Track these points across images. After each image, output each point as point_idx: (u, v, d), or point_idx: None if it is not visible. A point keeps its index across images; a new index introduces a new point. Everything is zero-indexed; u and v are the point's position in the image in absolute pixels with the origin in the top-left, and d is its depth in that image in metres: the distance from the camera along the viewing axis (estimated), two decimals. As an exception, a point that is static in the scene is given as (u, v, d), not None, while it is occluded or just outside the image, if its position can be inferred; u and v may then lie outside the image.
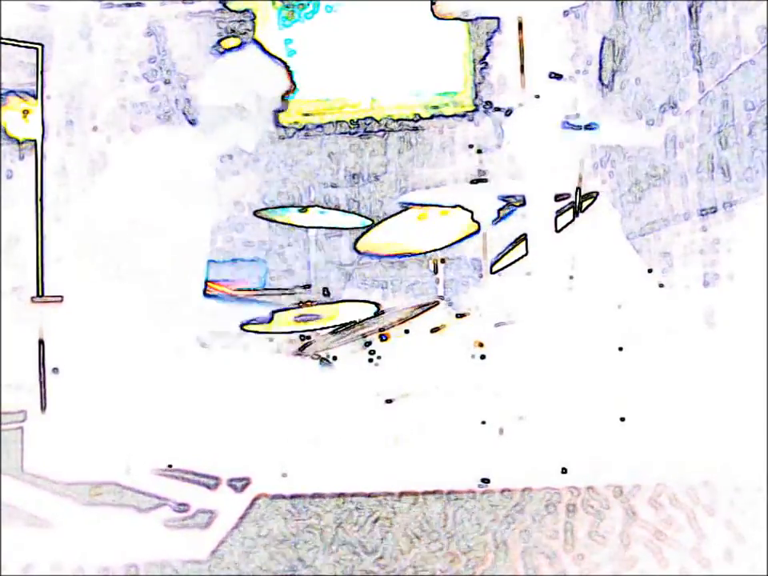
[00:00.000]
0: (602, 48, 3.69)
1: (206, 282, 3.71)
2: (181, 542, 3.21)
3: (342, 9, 3.80)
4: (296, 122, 3.82)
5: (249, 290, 3.75)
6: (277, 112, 3.78)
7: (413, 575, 3.06)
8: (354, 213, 3.78)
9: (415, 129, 3.79)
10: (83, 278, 3.69)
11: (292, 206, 3.79)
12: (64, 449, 3.54)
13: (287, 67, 3.77)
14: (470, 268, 3.72)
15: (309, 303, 3.71)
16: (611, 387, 3.44)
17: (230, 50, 3.77)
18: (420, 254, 3.73)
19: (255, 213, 3.78)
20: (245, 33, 3.82)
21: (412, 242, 3.74)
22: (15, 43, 3.70)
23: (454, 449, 3.43)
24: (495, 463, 3.36)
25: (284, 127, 3.82)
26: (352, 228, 3.77)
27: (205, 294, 3.70)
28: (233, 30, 3.81)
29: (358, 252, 3.74)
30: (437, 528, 3.19)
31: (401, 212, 3.74)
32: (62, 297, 3.66)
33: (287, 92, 3.77)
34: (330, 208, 3.78)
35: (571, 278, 3.60)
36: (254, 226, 3.81)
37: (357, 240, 3.75)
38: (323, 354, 3.64)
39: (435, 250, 3.72)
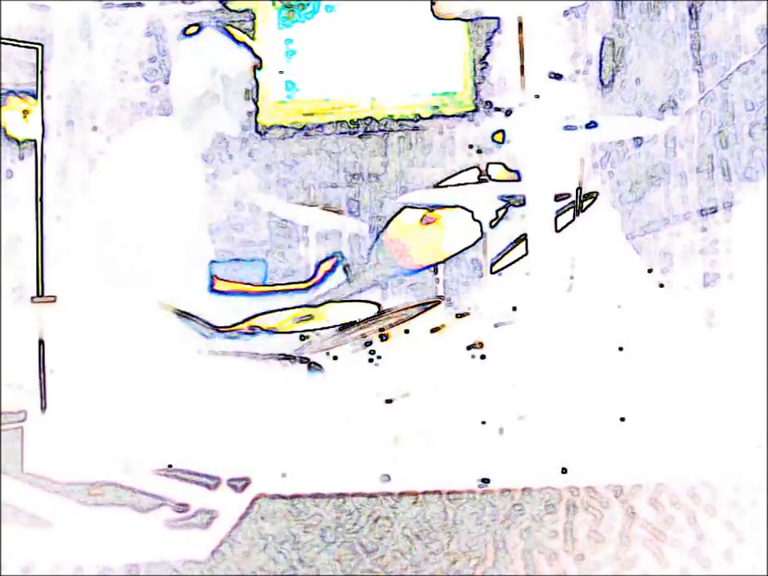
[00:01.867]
0: (602, 48, 3.69)
1: (213, 276, 3.71)
2: (181, 542, 3.21)
3: (342, 9, 3.80)
4: (296, 122, 3.83)
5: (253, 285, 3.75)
6: (253, 90, 3.77)
7: (413, 575, 3.05)
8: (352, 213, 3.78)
9: (415, 129, 3.79)
10: (83, 278, 3.69)
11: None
12: (64, 449, 3.53)
13: (247, 45, 3.76)
14: (470, 268, 3.72)
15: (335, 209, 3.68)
16: (611, 387, 3.44)
17: (189, 36, 3.76)
18: (429, 266, 3.73)
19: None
20: (244, 32, 3.82)
21: (425, 253, 3.74)
22: (15, 43, 3.70)
23: (454, 449, 3.42)
24: (495, 463, 3.36)
25: (284, 127, 3.83)
26: (351, 233, 3.77)
27: (211, 289, 3.70)
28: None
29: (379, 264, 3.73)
30: (437, 528, 3.19)
31: (398, 213, 3.74)
32: (54, 297, 3.65)
33: (257, 66, 3.76)
34: (332, 210, 3.78)
35: (571, 277, 3.60)
36: (254, 226, 3.81)
37: (370, 250, 3.74)
38: (314, 360, 3.63)
39: (444, 261, 3.72)
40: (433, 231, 3.74)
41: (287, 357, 3.63)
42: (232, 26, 3.77)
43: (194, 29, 3.75)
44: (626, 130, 3.64)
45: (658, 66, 3.61)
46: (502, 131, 3.71)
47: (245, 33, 3.81)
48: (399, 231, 3.72)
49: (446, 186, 3.72)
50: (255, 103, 3.76)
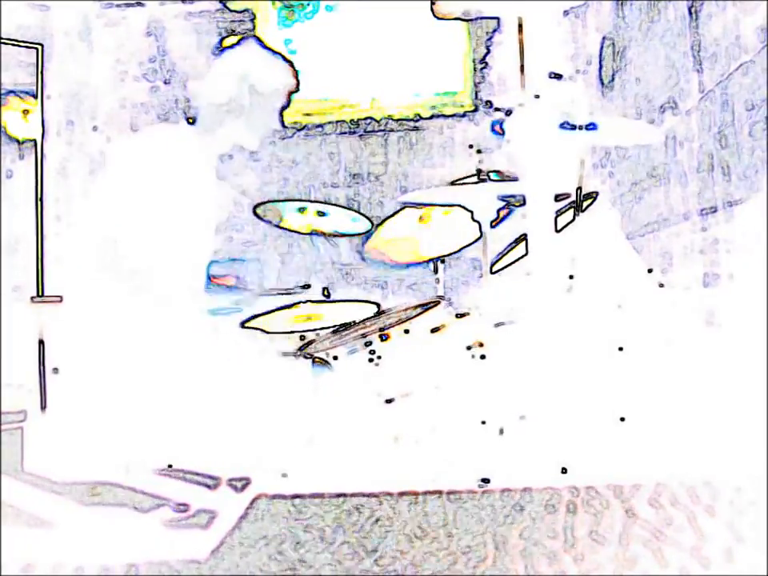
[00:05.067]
0: (601, 48, 3.69)
1: (209, 277, 3.71)
2: (181, 541, 3.21)
3: (342, 8, 3.80)
4: (296, 122, 3.82)
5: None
6: (282, 110, 3.77)
7: (413, 575, 3.05)
8: (353, 210, 3.77)
9: (415, 129, 3.79)
10: (83, 278, 3.69)
11: (292, 200, 3.78)
12: (64, 449, 3.53)
13: (291, 64, 3.76)
14: (470, 268, 3.72)
15: (308, 303, 3.71)
16: (611, 387, 3.44)
17: (229, 47, 3.77)
18: (425, 261, 3.73)
19: (255, 208, 3.77)
20: (245, 33, 3.81)
21: (416, 249, 3.74)
22: (15, 43, 3.70)
23: (454, 449, 3.42)
24: (495, 463, 3.36)
25: (284, 127, 3.83)
26: (350, 234, 3.77)
27: (208, 287, 3.70)
28: (232, 30, 3.81)
29: (364, 259, 3.74)
30: (437, 528, 3.19)
31: (399, 211, 3.74)
32: (60, 297, 3.66)
33: (292, 90, 3.76)
34: (328, 203, 3.78)
35: (571, 277, 3.60)
36: (254, 226, 3.81)
37: (362, 245, 3.75)
38: (320, 356, 3.63)
39: (440, 258, 3.72)
40: (424, 230, 3.74)
41: (292, 354, 3.63)
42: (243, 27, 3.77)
43: (233, 39, 3.75)
44: (627, 136, 3.64)
45: (657, 66, 3.61)
46: (501, 123, 3.70)
47: (246, 33, 3.81)
48: (385, 237, 3.73)
49: (447, 186, 3.73)
50: (283, 124, 3.76)
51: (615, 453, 3.32)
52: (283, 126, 3.77)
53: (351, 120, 3.80)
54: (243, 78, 3.70)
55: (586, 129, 3.64)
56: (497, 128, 3.68)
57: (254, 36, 3.77)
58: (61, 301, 3.65)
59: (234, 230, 3.80)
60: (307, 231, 3.77)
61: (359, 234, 3.76)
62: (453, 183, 3.70)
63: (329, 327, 3.69)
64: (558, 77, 3.67)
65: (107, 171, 3.77)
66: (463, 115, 3.77)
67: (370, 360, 3.63)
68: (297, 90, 3.75)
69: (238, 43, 3.75)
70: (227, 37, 3.77)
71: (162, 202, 3.72)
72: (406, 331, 3.65)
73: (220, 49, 3.77)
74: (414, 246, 3.73)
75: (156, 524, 3.28)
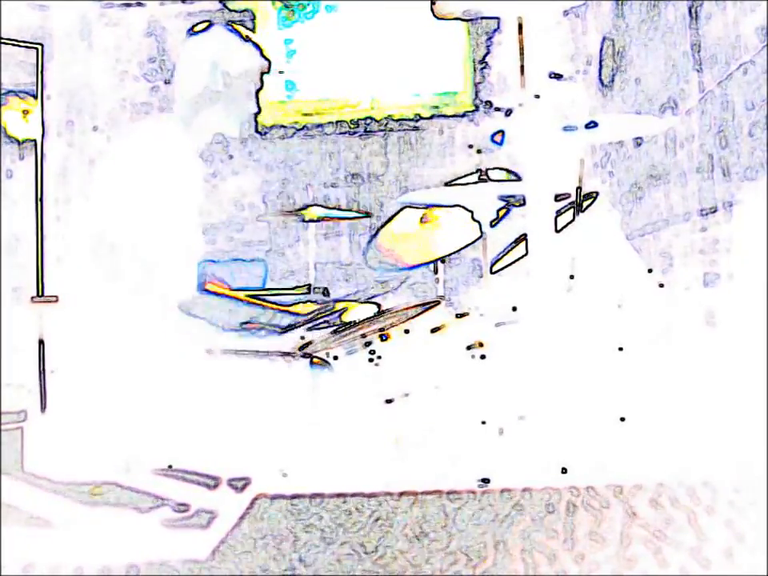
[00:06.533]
0: (602, 48, 3.69)
1: (204, 282, 3.71)
2: (181, 542, 3.21)
3: (342, 9, 3.80)
4: (296, 122, 3.82)
5: (247, 290, 3.75)
6: (257, 92, 3.77)
7: (413, 575, 3.05)
8: (353, 211, 3.78)
9: (415, 129, 3.79)
10: (83, 278, 3.69)
11: (292, 212, 3.79)
12: (64, 449, 3.53)
13: (256, 45, 3.76)
14: (470, 268, 3.72)
15: (307, 303, 3.71)
16: (611, 387, 3.44)
17: (196, 33, 3.77)
18: (429, 263, 3.73)
19: (258, 219, 3.78)
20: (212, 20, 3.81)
21: (422, 250, 3.74)
22: (15, 43, 3.70)
23: (454, 449, 3.42)
24: (495, 463, 3.36)
25: (284, 127, 3.83)
26: (352, 218, 3.77)
27: (202, 289, 3.70)
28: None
29: (372, 268, 3.74)
30: (437, 528, 3.19)
31: (399, 211, 3.74)
32: (56, 297, 3.65)
33: (264, 71, 3.76)
34: (329, 207, 3.78)
35: (571, 277, 3.60)
36: (254, 226, 3.81)
37: (365, 252, 3.74)
38: (320, 356, 3.63)
39: (442, 258, 3.71)
40: (428, 231, 3.74)
41: (290, 354, 3.63)
42: (243, 26, 3.77)
43: (202, 26, 3.75)
44: (626, 130, 3.64)
45: (657, 66, 3.61)
46: (502, 131, 3.71)
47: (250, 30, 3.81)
48: (391, 238, 3.73)
49: (449, 186, 3.73)
50: (258, 105, 3.76)
51: (615, 453, 3.32)
52: (259, 108, 3.77)
53: (351, 120, 3.80)
54: (213, 63, 3.70)
55: (586, 127, 3.64)
56: (496, 137, 3.69)
57: (223, 22, 3.77)
58: (57, 301, 3.65)
59: (235, 230, 3.80)
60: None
61: (358, 218, 3.75)
62: (448, 184, 3.70)
63: (329, 327, 3.69)
64: (558, 77, 3.67)
65: (106, 171, 3.77)
66: (463, 115, 3.77)
67: (370, 360, 3.63)
68: (268, 70, 3.75)
69: (206, 29, 3.75)
70: (198, 24, 3.77)
71: (161, 202, 3.72)
72: (406, 331, 3.65)
73: (189, 35, 3.77)
74: (420, 247, 3.73)
75: (156, 524, 3.28)
